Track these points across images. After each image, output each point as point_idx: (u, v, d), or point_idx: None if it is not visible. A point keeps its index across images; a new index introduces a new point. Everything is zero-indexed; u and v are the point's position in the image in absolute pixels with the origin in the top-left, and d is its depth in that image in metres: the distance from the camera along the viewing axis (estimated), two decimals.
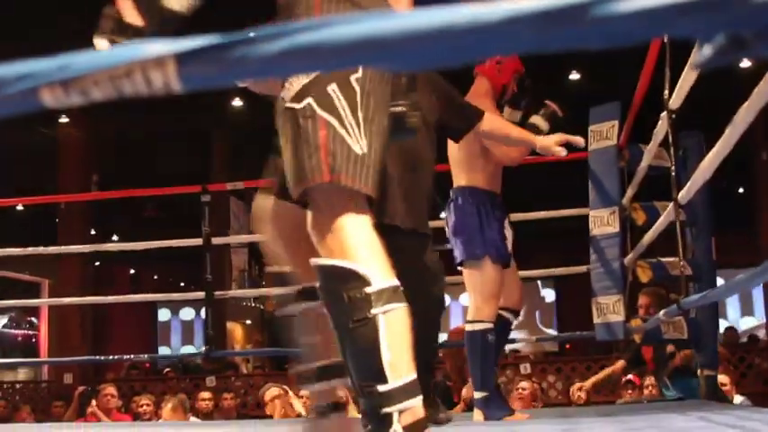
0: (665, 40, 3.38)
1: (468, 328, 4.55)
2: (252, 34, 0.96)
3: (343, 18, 0.94)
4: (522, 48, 0.92)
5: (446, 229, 4.71)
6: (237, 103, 15.78)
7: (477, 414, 4.50)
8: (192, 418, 8.03)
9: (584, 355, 13.68)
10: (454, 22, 0.89)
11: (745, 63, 12.79)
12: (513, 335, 5.99)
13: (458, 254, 4.58)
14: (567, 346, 18.97)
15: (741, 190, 19.77)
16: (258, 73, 1.00)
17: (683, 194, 3.69)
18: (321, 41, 0.93)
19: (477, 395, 4.53)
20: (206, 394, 9.24)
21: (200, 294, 6.32)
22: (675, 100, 3.40)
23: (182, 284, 23.87)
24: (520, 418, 4.65)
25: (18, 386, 14.55)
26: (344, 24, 0.93)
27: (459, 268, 4.63)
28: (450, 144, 4.63)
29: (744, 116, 2.39)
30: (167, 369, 14.80)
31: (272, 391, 6.93)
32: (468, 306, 4.67)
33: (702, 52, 0.89)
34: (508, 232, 4.68)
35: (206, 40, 0.98)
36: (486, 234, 4.52)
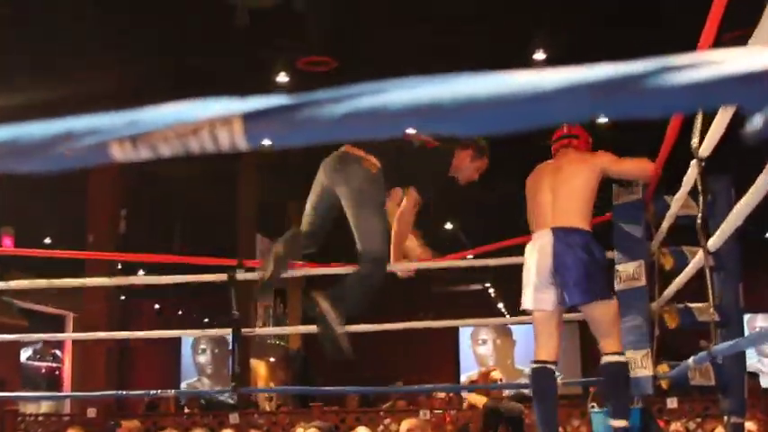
0: None
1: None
2: (317, 96, 1.00)
3: (405, 82, 0.98)
4: (578, 115, 0.96)
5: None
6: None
7: None
8: None
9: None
10: (512, 88, 0.93)
11: None
12: None
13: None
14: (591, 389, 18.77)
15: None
16: (322, 134, 1.04)
17: (713, 242, 3.70)
18: (383, 105, 0.97)
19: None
20: (229, 431, 9.25)
21: (227, 331, 6.34)
22: (705, 148, 3.42)
23: (205, 320, 23.91)
24: None
25: (40, 418, 14.57)
26: (406, 88, 0.97)
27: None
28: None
29: None
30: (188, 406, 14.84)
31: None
32: None
33: (753, 122, 0.92)
34: None
35: (273, 100, 1.02)
36: None
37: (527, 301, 5.08)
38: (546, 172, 5.31)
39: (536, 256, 5.04)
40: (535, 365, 5.04)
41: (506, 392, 10.65)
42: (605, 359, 5.03)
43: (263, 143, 1.05)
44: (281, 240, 5.34)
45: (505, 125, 0.97)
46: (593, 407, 6.01)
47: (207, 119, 1.05)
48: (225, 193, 17.17)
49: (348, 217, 5.21)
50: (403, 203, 5.34)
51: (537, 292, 5.03)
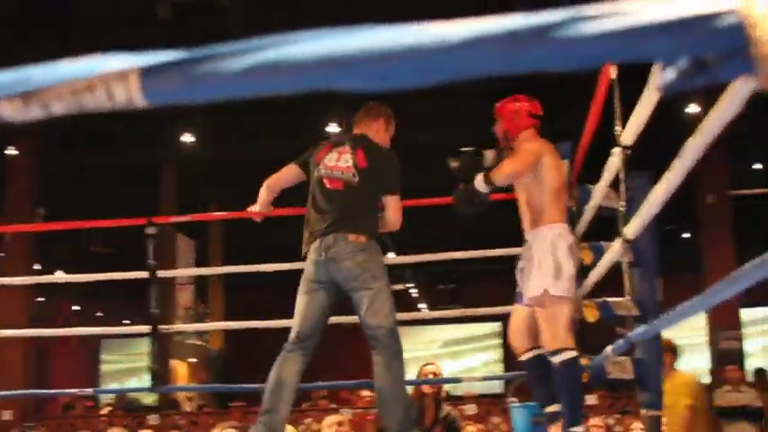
0: (614, 77, 3.41)
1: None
2: (218, 50, 0.96)
3: (307, 35, 0.94)
4: (487, 69, 0.92)
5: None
6: (188, 138, 15.74)
7: None
8: None
9: (529, 396, 13.68)
10: (419, 41, 0.90)
11: (692, 108, 13.01)
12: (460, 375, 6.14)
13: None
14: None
15: (687, 235, 20.01)
16: (224, 89, 0.99)
17: (630, 230, 3.72)
18: (285, 58, 0.93)
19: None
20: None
21: (146, 328, 6.23)
22: (628, 135, 3.43)
23: (125, 322, 23.62)
24: None
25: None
26: (308, 41, 0.93)
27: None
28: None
29: (692, 149, 2.42)
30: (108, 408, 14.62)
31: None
32: None
33: (665, 76, 0.90)
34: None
35: (170, 55, 0.97)
36: None
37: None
38: None
39: None
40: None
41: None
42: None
43: (162, 101, 1.00)
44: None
45: (414, 79, 0.93)
46: (512, 402, 6.02)
47: (102, 75, 0.99)
48: (146, 193, 16.98)
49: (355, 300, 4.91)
50: (389, 213, 5.04)
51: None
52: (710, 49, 0.85)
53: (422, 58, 0.90)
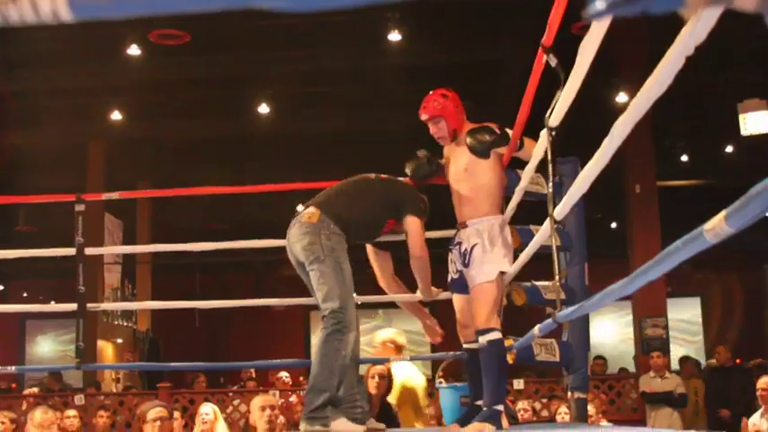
0: (548, 60, 3.43)
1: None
2: None
3: None
4: None
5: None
6: (116, 116, 15.54)
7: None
8: None
9: (456, 378, 13.75)
10: None
11: (622, 97, 13.15)
12: None
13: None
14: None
15: (614, 225, 20.23)
16: (148, 4, 0.96)
17: (559, 211, 3.75)
18: None
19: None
20: (72, 412, 9.01)
21: (72, 306, 6.15)
22: (555, 117, 3.46)
23: (52, 302, 23.31)
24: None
25: None
26: None
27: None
28: None
29: (621, 128, 2.45)
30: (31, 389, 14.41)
31: (156, 411, 6.70)
32: None
33: (596, 4, 0.89)
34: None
35: None
36: None
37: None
38: None
39: None
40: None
41: None
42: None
43: (88, 14, 0.96)
44: None
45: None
46: (440, 382, 6.05)
47: None
48: (73, 172, 16.76)
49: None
50: (408, 235, 5.16)
51: None
52: None
53: None
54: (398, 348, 7.11)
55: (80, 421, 9.15)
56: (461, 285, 5.13)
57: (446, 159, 5.34)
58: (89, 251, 6.27)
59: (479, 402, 5.03)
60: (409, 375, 7.23)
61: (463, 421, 4.97)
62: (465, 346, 5.20)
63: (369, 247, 5.64)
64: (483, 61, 13.47)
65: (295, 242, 4.91)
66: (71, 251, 6.12)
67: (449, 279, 5.21)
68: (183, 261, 17.58)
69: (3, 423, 8.21)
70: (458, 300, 5.21)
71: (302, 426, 4.65)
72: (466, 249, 5.04)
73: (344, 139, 15.81)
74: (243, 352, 21.13)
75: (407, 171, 5.35)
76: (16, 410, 9.51)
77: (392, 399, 6.79)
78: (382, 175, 5.30)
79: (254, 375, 14.08)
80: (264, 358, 8.79)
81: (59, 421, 8.22)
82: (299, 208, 5.08)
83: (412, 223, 5.09)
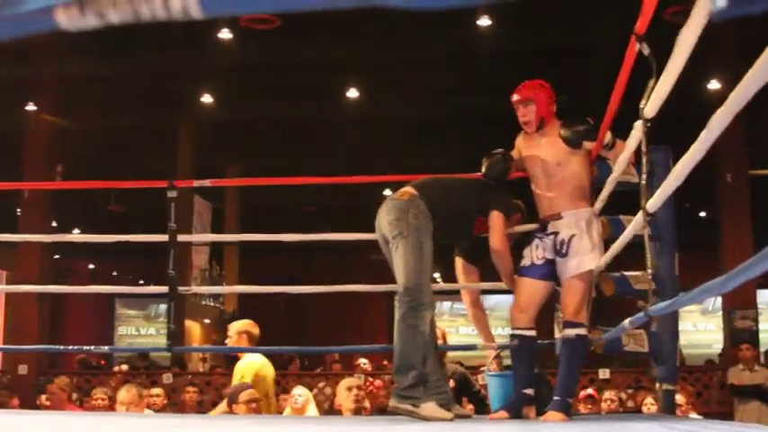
0: (640, 49, 3.39)
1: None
2: None
3: None
4: None
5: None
6: (207, 99, 15.75)
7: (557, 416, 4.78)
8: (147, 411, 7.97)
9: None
10: None
11: (714, 84, 12.93)
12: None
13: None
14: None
15: (703, 214, 19.94)
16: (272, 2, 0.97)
17: (652, 203, 3.70)
18: None
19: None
20: (156, 390, 9.15)
21: (164, 289, 6.26)
22: (651, 108, 3.41)
23: (140, 282, 23.71)
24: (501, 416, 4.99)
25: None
26: None
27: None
28: None
29: (718, 121, 2.41)
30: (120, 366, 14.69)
31: (248, 393, 6.84)
32: None
33: (717, 2, 0.88)
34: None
35: None
36: None
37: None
38: None
39: None
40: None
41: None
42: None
43: (219, 10, 0.98)
44: None
45: None
46: (488, 370, 6.02)
47: None
48: (163, 153, 17.02)
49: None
50: (490, 228, 5.20)
51: None
52: None
53: None
54: (252, 338, 7.32)
55: (167, 400, 9.29)
56: (543, 273, 5.12)
57: (519, 151, 5.35)
58: (182, 238, 6.38)
59: (528, 391, 5.05)
60: (262, 365, 7.40)
61: (511, 409, 5.02)
62: (517, 332, 5.16)
63: (458, 262, 5.70)
64: (571, 48, 13.34)
65: (382, 216, 4.98)
66: (163, 238, 6.23)
67: (525, 263, 5.19)
68: (270, 243, 17.73)
69: (102, 399, 8.43)
70: (530, 284, 5.17)
71: (392, 402, 4.68)
72: (563, 240, 5.04)
73: (432, 124, 15.80)
74: (326, 334, 21.33)
75: (483, 169, 5.35)
76: (107, 387, 9.69)
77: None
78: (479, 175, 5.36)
79: (337, 357, 14.19)
80: (347, 341, 8.87)
81: (146, 399, 8.36)
82: (387, 192, 5.14)
83: (494, 217, 5.16)
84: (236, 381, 7.24)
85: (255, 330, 7.30)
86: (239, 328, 7.36)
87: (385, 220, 4.95)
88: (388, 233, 4.92)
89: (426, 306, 4.78)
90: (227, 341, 7.55)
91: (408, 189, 5.04)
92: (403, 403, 4.62)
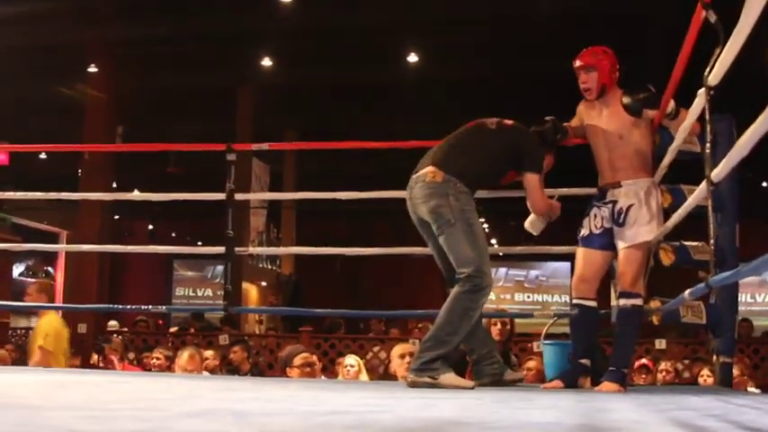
0: (706, 16, 3.32)
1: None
2: None
3: None
4: None
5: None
6: (266, 62, 15.77)
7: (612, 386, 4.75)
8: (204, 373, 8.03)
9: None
10: None
11: None
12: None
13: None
14: None
15: (765, 184, 19.67)
16: None
17: (716, 173, 3.63)
18: None
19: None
20: (209, 352, 9.19)
21: (221, 249, 6.29)
22: (715, 76, 3.35)
23: (198, 243, 23.91)
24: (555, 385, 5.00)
25: (31, 332, 14.58)
26: None
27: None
28: None
29: None
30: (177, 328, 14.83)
31: (302, 357, 6.90)
32: None
33: None
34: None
35: None
36: None
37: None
38: None
39: None
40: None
41: None
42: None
43: None
44: None
45: None
46: (544, 341, 5.99)
47: None
48: (222, 115, 17.10)
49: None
50: (528, 191, 5.11)
51: None
52: None
53: None
54: (48, 295, 8.42)
55: (220, 361, 9.35)
56: (602, 242, 5.08)
57: (580, 118, 5.29)
58: (239, 197, 6.40)
59: (584, 361, 5.02)
60: (61, 323, 8.36)
61: (566, 378, 5.01)
62: (577, 302, 5.12)
63: None
64: (629, 16, 13.14)
65: (420, 203, 4.88)
66: (221, 196, 6.25)
67: (584, 233, 5.14)
68: (327, 207, 17.80)
69: (159, 359, 8.53)
70: (590, 254, 5.12)
71: (410, 377, 4.62)
72: (621, 209, 4.99)
73: (490, 86, 15.70)
74: (381, 298, 21.38)
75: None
76: (165, 347, 9.79)
77: (48, 345, 8.00)
78: (506, 121, 5.17)
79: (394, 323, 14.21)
80: (402, 306, 8.85)
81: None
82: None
83: (531, 179, 5.05)
84: (39, 337, 8.04)
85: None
86: (39, 287, 8.21)
87: (424, 207, 4.86)
88: (431, 221, 4.85)
89: (486, 291, 4.75)
90: (25, 298, 8.21)
91: (433, 169, 4.88)
92: (422, 377, 4.57)
